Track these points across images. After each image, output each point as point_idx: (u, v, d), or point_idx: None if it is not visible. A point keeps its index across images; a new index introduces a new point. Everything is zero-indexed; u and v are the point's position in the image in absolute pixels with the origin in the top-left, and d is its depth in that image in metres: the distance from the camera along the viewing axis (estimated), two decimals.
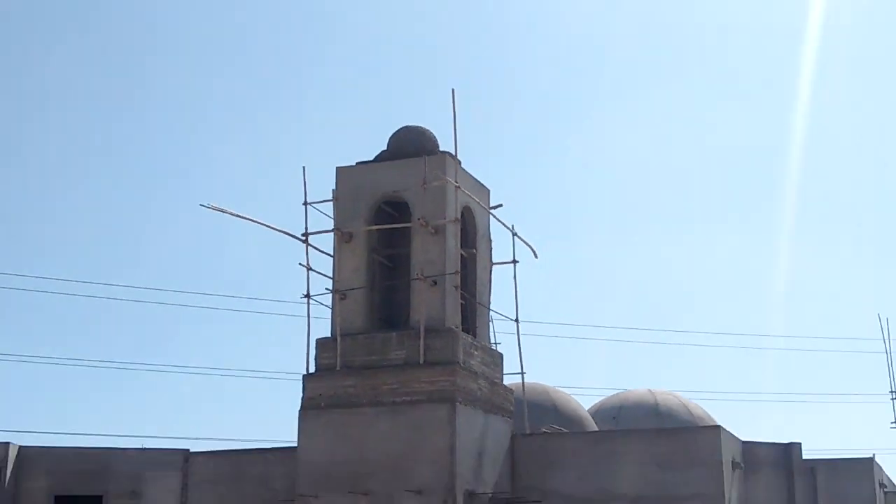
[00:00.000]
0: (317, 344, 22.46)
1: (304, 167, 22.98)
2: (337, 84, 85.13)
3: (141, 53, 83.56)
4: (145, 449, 35.26)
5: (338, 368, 21.97)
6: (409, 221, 22.31)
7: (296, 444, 22.08)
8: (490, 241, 24.25)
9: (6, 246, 73.33)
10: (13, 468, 33.73)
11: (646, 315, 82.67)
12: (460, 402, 21.12)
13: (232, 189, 79.20)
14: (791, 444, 24.67)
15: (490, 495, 21.80)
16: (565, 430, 25.81)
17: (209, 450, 27.79)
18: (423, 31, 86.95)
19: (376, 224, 22.84)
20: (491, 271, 24.20)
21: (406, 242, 22.65)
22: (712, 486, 21.77)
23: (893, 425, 48.03)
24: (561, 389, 29.48)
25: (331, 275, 22.85)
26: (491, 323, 24.13)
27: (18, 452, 34.07)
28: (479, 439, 21.80)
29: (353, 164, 23.29)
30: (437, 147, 23.10)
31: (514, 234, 24.31)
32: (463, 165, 22.93)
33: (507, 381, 23.92)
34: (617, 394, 32.36)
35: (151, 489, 33.98)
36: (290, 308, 50.19)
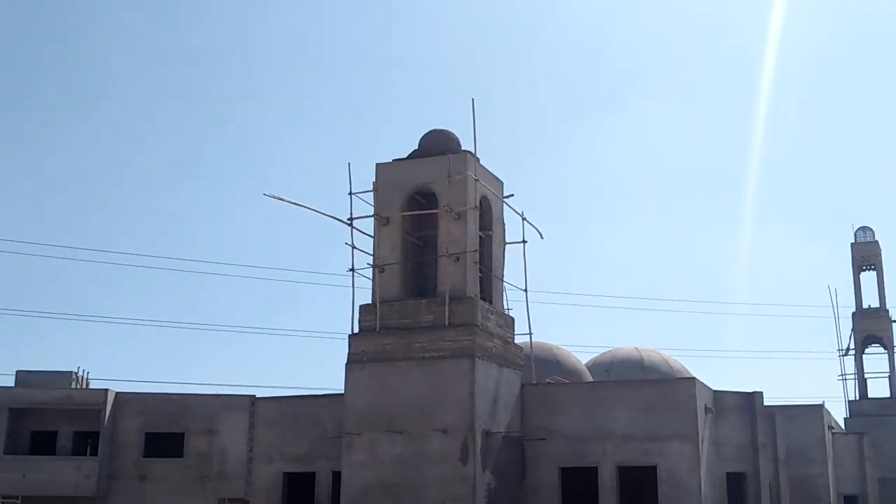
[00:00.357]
0: (360, 309, 22.49)
1: (349, 163, 23.01)
2: (377, 93, 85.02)
3: (215, 57, 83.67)
4: (219, 395, 35.71)
5: (377, 329, 22.00)
6: (437, 208, 22.29)
7: (343, 392, 22.14)
8: (504, 224, 24.19)
9: (124, 228, 73.88)
10: (111, 410, 34.28)
11: (633, 284, 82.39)
12: (478, 358, 21.17)
13: (290, 181, 79.43)
14: (754, 392, 24.52)
15: (503, 434, 21.88)
16: (566, 381, 25.77)
17: (271, 396, 27.93)
18: (450, 49, 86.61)
19: (409, 210, 22.84)
20: (504, 249, 24.13)
21: (434, 225, 22.64)
22: (688, 427, 21.73)
23: (840, 377, 48.05)
24: (562, 347, 29.38)
25: (371, 252, 22.85)
26: (504, 292, 24.06)
27: (115, 397, 34.63)
28: (494, 388, 21.83)
29: (390, 160, 23.27)
30: (460, 146, 23.04)
31: (524, 219, 24.27)
32: (481, 162, 22.85)
33: (517, 340, 23.88)
34: (609, 350, 32.22)
35: (224, 427, 34.46)
36: (338, 280, 50.57)
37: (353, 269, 22.72)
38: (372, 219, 22.86)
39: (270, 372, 75.81)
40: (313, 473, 23.71)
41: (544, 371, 25.62)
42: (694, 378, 23.28)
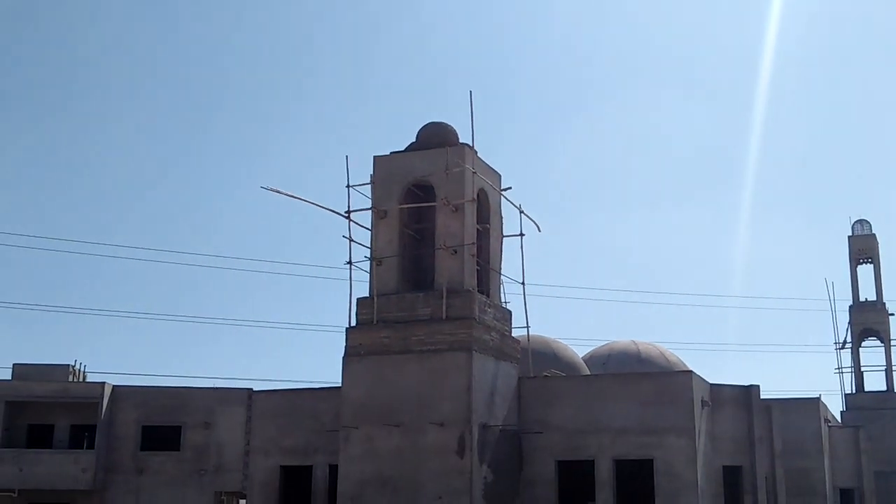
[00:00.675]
0: (357, 302, 22.44)
1: (346, 156, 22.95)
2: (374, 87, 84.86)
3: (218, 54, 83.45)
4: (216, 388, 35.64)
5: (375, 322, 21.97)
6: (434, 201, 22.22)
7: (340, 385, 22.11)
8: (501, 217, 24.13)
9: (121, 221, 73.73)
10: (108, 403, 34.21)
11: (631, 277, 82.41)
12: (476, 351, 21.13)
13: (287, 175, 79.29)
14: (751, 386, 24.49)
15: (500, 427, 21.87)
16: (563, 374, 25.75)
17: (269, 389, 27.91)
18: (448, 41, 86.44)
19: (407, 203, 22.79)
20: (502, 242, 24.08)
21: (431, 218, 22.58)
22: (685, 421, 21.70)
23: (836, 371, 48.10)
24: (559, 340, 29.36)
25: (369, 245, 22.81)
26: (501, 285, 24.04)
27: (112, 390, 34.56)
28: (492, 381, 21.82)
29: (388, 153, 23.22)
30: (458, 139, 22.98)
31: (521, 212, 24.20)
32: (479, 154, 22.81)
33: (514, 333, 23.85)
34: (606, 344, 32.18)
35: (221, 420, 34.42)
36: (335, 273, 50.56)
37: (350, 262, 22.67)
38: (369, 212, 22.81)
39: (267, 365, 75.91)
40: (310, 467, 23.69)
41: (541, 364, 25.59)
42: (691, 371, 23.26)
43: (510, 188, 24.03)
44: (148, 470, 33.89)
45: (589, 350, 32.15)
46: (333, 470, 22.45)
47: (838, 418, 40.34)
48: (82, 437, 34.47)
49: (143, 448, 34.15)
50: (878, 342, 49.18)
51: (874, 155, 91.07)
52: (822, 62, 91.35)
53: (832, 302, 46.70)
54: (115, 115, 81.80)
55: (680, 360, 30.41)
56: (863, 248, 49.85)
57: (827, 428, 29.29)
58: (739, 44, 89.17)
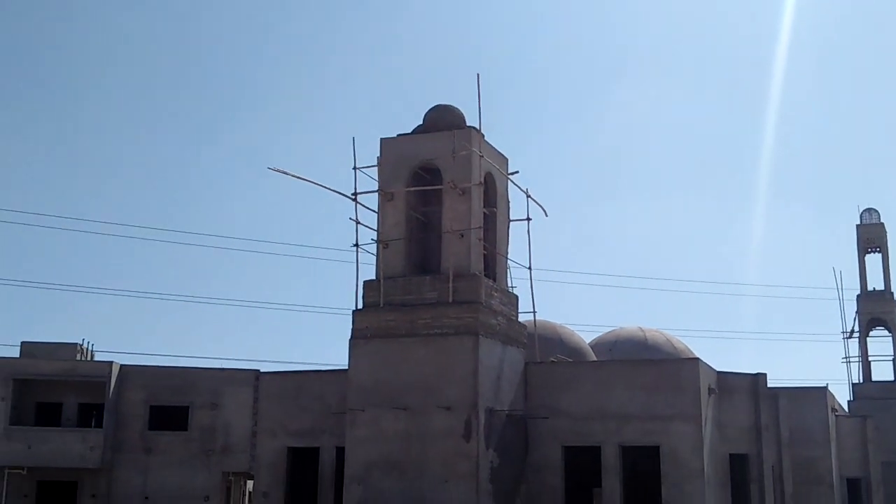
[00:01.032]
0: (364, 285, 22.35)
1: (353, 138, 22.79)
2: (382, 69, 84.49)
3: (221, 40, 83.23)
4: (224, 369, 35.61)
5: (381, 305, 21.87)
6: (441, 184, 22.07)
7: (346, 367, 22.05)
8: (508, 201, 23.98)
9: (130, 202, 73.77)
10: (116, 383, 34.22)
11: (639, 263, 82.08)
12: (482, 335, 21.03)
13: (295, 156, 79.16)
14: (758, 374, 24.37)
15: (506, 412, 21.79)
16: (569, 360, 25.65)
17: (276, 370, 27.87)
18: (458, 25, 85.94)
19: (414, 186, 22.63)
20: (508, 227, 23.95)
21: (438, 202, 22.44)
22: (691, 408, 21.60)
23: (844, 360, 47.81)
24: (566, 326, 29.26)
25: (375, 228, 22.69)
26: (508, 270, 23.93)
27: (120, 370, 34.55)
28: (498, 366, 21.72)
29: (395, 136, 23.04)
30: (465, 122, 22.79)
31: (529, 196, 24.04)
32: (486, 138, 22.62)
33: (521, 318, 23.76)
34: (613, 330, 32.04)
35: (228, 401, 34.40)
36: (341, 255, 50.44)
37: (357, 245, 22.57)
38: (376, 194, 22.68)
39: (275, 346, 76.02)
40: (317, 448, 23.67)
41: (548, 349, 25.49)
42: (697, 359, 23.12)
43: (517, 172, 23.90)
44: (155, 449, 33.94)
45: (595, 336, 32.04)
46: (340, 452, 22.44)
47: (845, 408, 40.07)
48: (90, 415, 34.53)
49: (150, 427, 34.21)
50: (885, 332, 48.85)
51: (884, 144, 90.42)
52: (837, 51, 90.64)
53: (840, 291, 46.38)
54: (126, 98, 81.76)
55: (687, 347, 30.25)
56: (871, 236, 49.45)
57: (834, 417, 29.08)
58: (754, 31, 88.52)
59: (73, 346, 36.27)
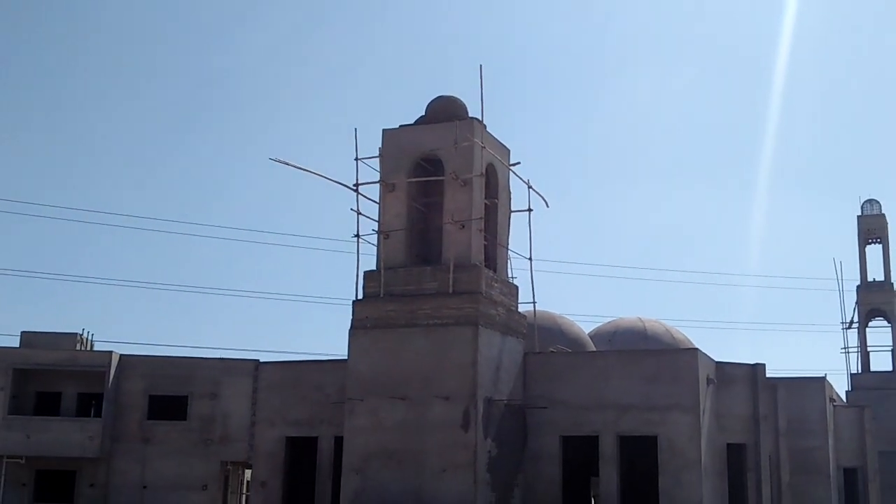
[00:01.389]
0: (364, 275, 22.49)
1: (355, 129, 22.89)
2: (384, 60, 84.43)
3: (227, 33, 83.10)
4: (223, 359, 35.76)
5: (381, 296, 22.02)
6: (443, 175, 22.20)
7: (346, 357, 22.21)
8: (509, 192, 24.09)
9: (131, 191, 73.80)
10: (115, 372, 34.37)
11: (639, 254, 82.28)
12: (482, 325, 21.19)
13: (296, 147, 79.23)
14: (757, 364, 24.50)
15: (505, 402, 21.96)
16: (568, 350, 25.81)
17: (275, 360, 28.01)
18: (460, 16, 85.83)
19: (415, 177, 22.76)
20: (510, 217, 24.07)
21: (439, 192, 22.57)
22: (689, 398, 21.76)
23: (842, 350, 48.06)
24: (566, 316, 29.40)
25: (376, 218, 22.82)
26: (509, 260, 24.07)
27: (119, 360, 34.71)
28: (497, 356, 21.89)
29: (397, 126, 23.16)
30: (467, 113, 22.90)
31: (530, 187, 24.16)
32: (488, 129, 22.74)
33: (521, 308, 23.91)
34: (612, 320, 32.20)
35: (227, 391, 34.56)
36: (342, 245, 50.58)
37: (357, 235, 22.70)
38: (378, 185, 22.79)
39: (274, 337, 76.24)
40: (316, 438, 23.85)
41: (547, 340, 25.65)
42: (696, 349, 23.29)
43: (519, 163, 24.00)
44: (154, 439, 34.12)
45: (595, 326, 32.18)
46: (338, 442, 22.62)
47: (843, 398, 40.34)
48: (89, 405, 34.71)
49: (149, 417, 34.36)
50: (885, 322, 49.08)
51: (886, 135, 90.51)
52: (840, 41, 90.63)
53: (840, 282, 46.58)
54: (126, 86, 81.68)
55: (686, 337, 30.42)
56: (872, 227, 49.64)
57: (832, 407, 29.31)
58: (757, 20, 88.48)
59: (72, 336, 36.40)
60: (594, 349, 28.15)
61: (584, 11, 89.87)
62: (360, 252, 22.60)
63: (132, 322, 69.56)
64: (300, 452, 24.31)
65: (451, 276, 21.41)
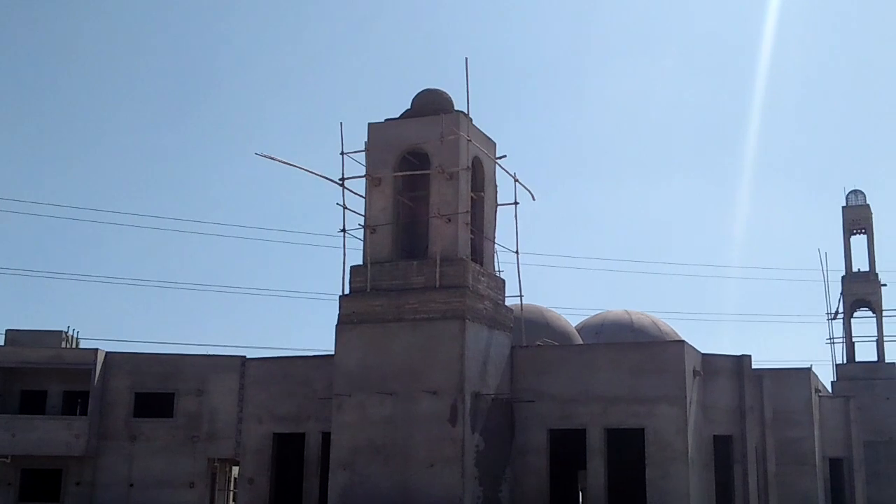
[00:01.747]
0: (351, 270, 22.47)
1: (341, 123, 22.90)
2: (370, 53, 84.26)
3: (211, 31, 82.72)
4: (209, 355, 35.65)
5: (368, 290, 22.00)
6: (429, 169, 22.19)
7: (333, 353, 22.18)
8: (496, 185, 24.10)
9: (114, 187, 73.40)
10: (101, 370, 34.24)
11: (625, 247, 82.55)
12: (469, 319, 21.21)
13: (281, 142, 78.99)
14: (742, 355, 24.63)
15: (492, 395, 22.00)
16: (556, 343, 25.87)
17: (262, 356, 27.97)
18: (446, 9, 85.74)
19: (401, 171, 22.74)
20: (496, 211, 24.09)
21: (426, 186, 22.56)
22: (676, 390, 21.86)
23: (828, 341, 48.32)
24: (552, 309, 29.45)
25: (363, 213, 22.79)
26: (496, 254, 24.08)
27: (105, 357, 34.56)
28: (484, 350, 21.91)
29: (383, 120, 23.13)
30: (453, 107, 22.87)
31: (516, 181, 24.16)
32: (474, 122, 22.74)
33: (508, 302, 23.96)
34: (599, 313, 32.33)
35: (214, 388, 34.47)
36: (328, 240, 50.53)
37: (344, 230, 22.70)
38: (363, 179, 22.78)
39: (261, 332, 76.04)
40: (303, 434, 23.84)
41: (534, 333, 25.69)
42: (682, 341, 23.36)
43: (505, 156, 24.05)
44: (141, 436, 34.01)
45: (582, 319, 32.28)
46: (326, 437, 22.60)
47: (829, 388, 40.60)
48: (75, 403, 34.56)
49: (135, 415, 34.24)
50: (869, 313, 49.34)
51: (870, 125, 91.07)
52: (823, 34, 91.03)
53: (825, 272, 46.80)
54: (108, 82, 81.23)
55: (673, 329, 30.56)
56: (856, 218, 49.86)
57: (817, 398, 29.51)
58: (740, 13, 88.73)
59: (58, 334, 36.23)
60: (581, 342, 28.22)
61: (569, 5, 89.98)
62: (346, 247, 22.62)
63: (118, 319, 69.31)
64: (287, 448, 24.29)
65: (437, 270, 21.41)
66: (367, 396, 21.41)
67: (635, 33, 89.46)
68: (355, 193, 22.94)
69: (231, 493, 36.46)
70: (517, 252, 24.12)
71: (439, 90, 23.33)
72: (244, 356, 32.54)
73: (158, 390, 34.46)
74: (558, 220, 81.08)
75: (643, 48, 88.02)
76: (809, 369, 29.15)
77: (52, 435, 33.37)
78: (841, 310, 48.70)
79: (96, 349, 34.52)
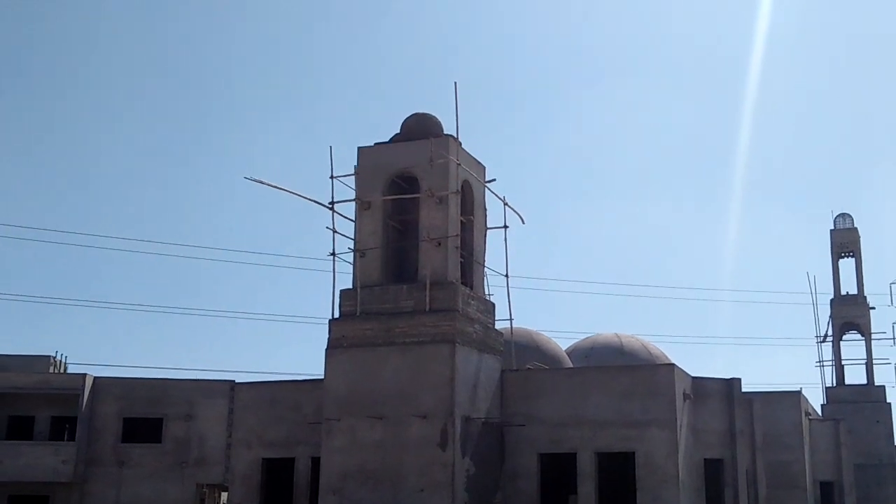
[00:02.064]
0: (340, 294, 22.42)
1: (330, 147, 22.90)
2: (358, 78, 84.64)
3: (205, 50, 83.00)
4: (198, 380, 35.44)
5: (358, 314, 21.95)
6: (418, 193, 22.21)
7: (323, 377, 22.09)
8: (485, 209, 24.13)
9: (104, 212, 73.23)
10: (89, 395, 33.98)
11: (614, 270, 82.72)
12: (459, 343, 21.15)
13: (271, 166, 79.04)
14: (733, 379, 24.59)
15: (483, 420, 21.91)
16: (546, 367, 25.78)
17: (251, 381, 27.81)
18: (434, 33, 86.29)
19: (391, 195, 22.76)
20: (486, 234, 24.09)
21: (415, 210, 22.57)
22: (667, 413, 21.80)
23: (817, 364, 48.40)
24: (542, 333, 29.37)
25: (352, 237, 22.77)
26: (485, 277, 24.05)
27: (93, 382, 34.32)
28: (474, 374, 21.84)
29: (372, 144, 23.17)
30: (442, 130, 22.95)
31: (506, 204, 24.21)
32: (463, 146, 22.81)
33: (498, 325, 23.90)
34: (589, 336, 32.25)
35: (203, 413, 34.25)
36: (318, 264, 50.44)
37: (333, 254, 22.65)
38: (353, 203, 22.78)
39: (250, 357, 75.72)
40: (293, 459, 23.66)
41: (524, 357, 25.62)
42: (673, 364, 23.31)
43: (494, 180, 24.10)
44: (129, 462, 33.72)
45: (572, 343, 32.19)
46: (316, 462, 22.44)
47: (819, 411, 40.61)
48: (63, 428, 34.26)
49: (124, 440, 33.96)
50: (858, 336, 49.48)
51: (858, 149, 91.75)
52: (812, 56, 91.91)
53: (814, 296, 46.97)
54: (99, 105, 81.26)
55: (663, 353, 30.52)
56: (845, 241, 50.11)
57: (807, 421, 29.50)
58: (729, 36, 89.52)
59: (45, 359, 36.00)
60: (571, 366, 28.13)
61: (557, 28, 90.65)
62: (336, 271, 22.57)
63: (106, 344, 68.92)
64: (277, 474, 24.10)
65: (427, 293, 21.39)
66: (356, 421, 21.30)
67: (624, 55, 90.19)
68: (345, 217, 22.96)
69: None
70: (507, 275, 24.10)
71: (428, 114, 23.41)
72: (233, 381, 32.36)
73: (147, 415, 34.21)
74: (548, 242, 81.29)
75: (632, 70, 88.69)
76: (799, 392, 29.17)
77: (39, 461, 33.05)
78: (830, 333, 48.83)
79: (84, 374, 34.28)
